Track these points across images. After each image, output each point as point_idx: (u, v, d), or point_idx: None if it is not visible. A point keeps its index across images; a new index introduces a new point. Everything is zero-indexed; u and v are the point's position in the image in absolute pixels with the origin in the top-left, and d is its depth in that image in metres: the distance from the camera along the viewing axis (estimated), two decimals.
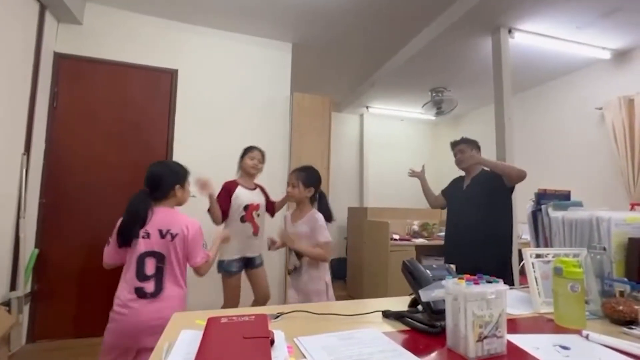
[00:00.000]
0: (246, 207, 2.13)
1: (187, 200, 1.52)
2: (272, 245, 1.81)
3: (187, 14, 2.82)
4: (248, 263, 2.21)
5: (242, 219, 2.13)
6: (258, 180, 2.39)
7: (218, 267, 2.11)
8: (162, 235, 1.33)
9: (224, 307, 2.14)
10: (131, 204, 1.35)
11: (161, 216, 1.36)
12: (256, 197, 2.23)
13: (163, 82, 2.85)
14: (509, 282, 1.66)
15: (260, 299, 2.27)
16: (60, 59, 2.57)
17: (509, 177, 1.92)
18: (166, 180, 1.42)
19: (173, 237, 1.34)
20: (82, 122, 2.61)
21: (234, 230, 2.03)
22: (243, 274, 2.23)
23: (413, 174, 2.46)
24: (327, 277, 1.69)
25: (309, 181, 1.71)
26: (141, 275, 1.31)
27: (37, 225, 2.42)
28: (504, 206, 2.03)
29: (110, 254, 1.41)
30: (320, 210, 1.72)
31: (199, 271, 1.41)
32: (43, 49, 2.39)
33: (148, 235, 1.33)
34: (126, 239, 1.32)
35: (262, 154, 2.29)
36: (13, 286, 2.17)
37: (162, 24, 2.88)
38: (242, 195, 2.15)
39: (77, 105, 2.61)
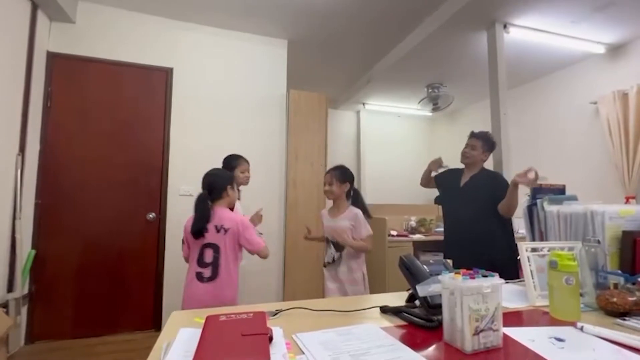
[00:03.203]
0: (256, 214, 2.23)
1: (236, 199, 1.80)
2: (308, 234, 2.04)
3: (181, 11, 2.80)
4: None
5: None
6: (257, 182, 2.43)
7: None
8: (217, 229, 1.56)
9: None
10: (196, 206, 1.60)
11: (217, 214, 1.60)
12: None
13: (158, 80, 2.83)
14: (516, 275, 1.65)
15: None
16: (54, 59, 2.55)
17: (507, 209, 1.87)
18: (220, 183, 1.68)
19: (226, 231, 1.57)
20: (77, 122, 2.59)
21: None
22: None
23: (436, 162, 2.31)
24: (364, 268, 1.87)
25: (343, 177, 1.87)
26: (201, 263, 1.56)
27: (33, 226, 2.41)
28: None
29: (185, 250, 1.69)
30: (356, 206, 1.86)
31: (261, 254, 1.64)
32: (36, 48, 2.36)
33: (207, 230, 1.56)
34: (199, 233, 1.55)
35: (248, 162, 2.26)
36: (10, 288, 2.16)
37: (156, 22, 2.85)
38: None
39: (71, 104, 2.59)
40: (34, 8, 2.34)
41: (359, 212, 1.81)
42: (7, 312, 2.06)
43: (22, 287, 2.25)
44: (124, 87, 2.74)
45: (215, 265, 1.55)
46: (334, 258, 1.84)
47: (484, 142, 2.10)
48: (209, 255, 1.55)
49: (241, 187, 2.23)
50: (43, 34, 2.47)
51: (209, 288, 1.52)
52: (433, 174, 2.34)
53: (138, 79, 2.78)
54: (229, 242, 1.57)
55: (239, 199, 2.25)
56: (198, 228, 1.55)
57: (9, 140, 2.17)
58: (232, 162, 2.20)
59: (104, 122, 2.66)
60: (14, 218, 2.20)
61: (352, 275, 1.81)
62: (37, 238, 2.42)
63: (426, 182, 2.38)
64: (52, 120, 2.52)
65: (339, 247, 1.82)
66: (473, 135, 2.14)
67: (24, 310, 2.33)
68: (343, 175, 1.87)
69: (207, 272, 1.54)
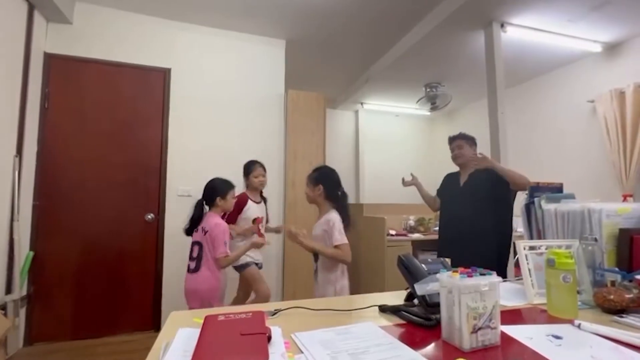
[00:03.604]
0: (254, 221, 2.29)
1: (231, 208, 2.05)
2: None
3: (179, 12, 2.79)
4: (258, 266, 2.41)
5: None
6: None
7: (239, 268, 2.29)
8: (203, 231, 1.88)
9: (256, 300, 2.29)
10: (193, 210, 1.97)
11: (206, 218, 1.93)
12: (261, 211, 2.41)
13: (156, 81, 2.83)
14: (502, 274, 1.68)
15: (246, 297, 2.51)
16: (51, 59, 2.54)
17: (514, 183, 1.89)
18: (210, 194, 1.97)
19: (205, 232, 1.87)
20: (75, 123, 2.59)
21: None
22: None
23: (406, 183, 2.48)
24: (344, 282, 1.60)
25: (315, 180, 1.70)
26: (190, 257, 1.91)
27: (31, 227, 2.40)
28: (503, 201, 2.02)
29: None
30: (337, 211, 1.64)
31: (217, 262, 1.86)
32: (33, 49, 2.35)
33: (197, 230, 1.92)
34: (188, 232, 1.96)
35: (264, 167, 2.48)
36: (9, 289, 2.16)
37: (153, 22, 2.85)
38: (252, 209, 2.34)
39: (69, 105, 2.58)
40: (31, 9, 2.33)
41: (334, 217, 1.59)
42: (5, 314, 2.05)
43: (21, 288, 2.24)
44: (122, 87, 2.73)
45: (198, 259, 1.86)
46: (315, 269, 1.68)
47: (465, 139, 2.19)
48: (195, 251, 1.88)
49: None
50: (40, 34, 2.46)
51: (190, 278, 1.87)
52: (429, 183, 2.45)
53: (136, 80, 2.78)
54: (209, 243, 1.85)
55: (257, 201, 2.44)
56: (187, 228, 1.96)
57: (6, 141, 2.16)
58: (248, 167, 2.45)
59: (102, 123, 2.65)
60: (12, 220, 2.19)
61: (323, 290, 1.58)
62: (35, 239, 2.41)
63: (432, 201, 2.43)
64: (50, 122, 2.52)
65: (316, 256, 1.65)
66: (453, 139, 2.24)
67: (23, 311, 2.33)
68: (315, 177, 1.70)
69: (192, 265, 1.88)
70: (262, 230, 2.31)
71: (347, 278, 1.63)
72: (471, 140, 2.20)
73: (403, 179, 2.50)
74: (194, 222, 1.94)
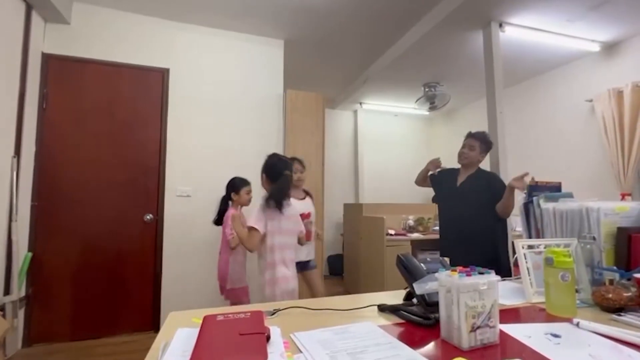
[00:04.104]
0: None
1: (245, 203, 2.34)
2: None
3: (177, 12, 2.79)
4: (304, 266, 2.31)
5: None
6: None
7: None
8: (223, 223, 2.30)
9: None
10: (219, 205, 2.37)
11: (228, 211, 2.28)
12: (306, 207, 2.32)
13: (154, 81, 2.82)
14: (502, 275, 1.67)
15: (316, 296, 2.40)
16: (49, 60, 2.53)
17: (503, 210, 1.90)
18: (227, 190, 2.35)
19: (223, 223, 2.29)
20: (73, 123, 2.58)
21: None
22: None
23: (435, 162, 2.31)
24: (268, 275, 1.55)
25: (261, 171, 1.73)
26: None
27: (29, 228, 2.40)
28: (494, 211, 1.97)
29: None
30: (269, 193, 1.64)
31: (228, 245, 2.21)
32: (31, 49, 2.35)
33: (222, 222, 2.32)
34: (217, 223, 2.37)
35: (301, 162, 2.38)
36: (7, 290, 2.15)
37: (152, 22, 2.84)
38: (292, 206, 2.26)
39: (67, 106, 2.57)
40: (28, 9, 2.32)
41: (261, 203, 1.59)
42: (4, 315, 2.05)
43: (19, 289, 2.23)
44: (120, 88, 2.73)
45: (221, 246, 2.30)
46: None
47: (482, 142, 2.10)
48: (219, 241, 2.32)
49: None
50: (38, 35, 2.46)
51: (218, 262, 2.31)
52: (429, 173, 2.35)
53: (134, 80, 2.77)
54: (223, 230, 2.25)
55: (300, 198, 2.38)
56: (215, 220, 2.37)
57: (4, 142, 2.15)
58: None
59: (100, 123, 2.65)
60: (10, 220, 2.18)
61: (261, 277, 1.59)
62: (33, 240, 2.41)
63: (422, 180, 2.39)
64: (48, 122, 2.51)
65: None
66: (471, 135, 2.14)
67: (21, 313, 2.32)
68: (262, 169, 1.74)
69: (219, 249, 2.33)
70: (308, 225, 2.20)
71: (278, 276, 1.56)
72: (486, 145, 2.11)
73: (434, 161, 2.32)
74: (220, 215, 2.34)
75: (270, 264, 1.58)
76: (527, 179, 1.67)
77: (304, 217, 2.22)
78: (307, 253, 2.32)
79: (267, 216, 1.57)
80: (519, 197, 1.37)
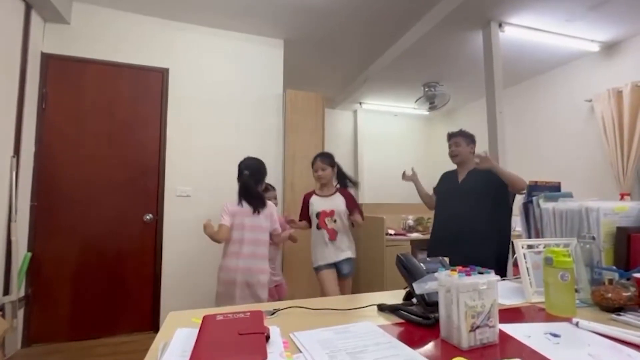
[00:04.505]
0: (318, 215, 2.24)
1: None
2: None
3: (177, 12, 2.79)
4: (338, 270, 2.25)
5: (318, 226, 2.26)
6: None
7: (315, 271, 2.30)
8: None
9: None
10: None
11: None
12: (329, 204, 2.26)
13: (154, 81, 2.82)
14: (503, 274, 1.67)
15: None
16: (49, 60, 2.53)
17: (512, 186, 1.89)
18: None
19: None
20: (73, 123, 2.58)
21: (315, 237, 2.30)
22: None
23: (406, 177, 2.46)
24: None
25: None
26: None
27: (28, 228, 2.40)
28: (502, 201, 2.02)
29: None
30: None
31: None
32: (30, 49, 2.35)
33: None
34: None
35: (323, 160, 2.30)
36: (6, 290, 2.15)
37: (151, 22, 2.84)
38: (315, 203, 2.30)
39: (66, 106, 2.57)
40: (28, 9, 2.32)
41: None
42: (3, 315, 2.05)
43: (19, 290, 2.23)
44: (120, 88, 2.73)
45: None
46: None
47: (463, 136, 2.17)
48: None
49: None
50: (37, 35, 2.46)
51: None
52: (433, 188, 2.40)
53: (134, 80, 2.77)
54: None
55: (324, 195, 2.38)
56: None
57: (3, 142, 2.15)
58: (312, 161, 2.42)
59: (100, 123, 2.65)
60: (10, 220, 2.18)
61: None
62: (33, 240, 2.41)
63: (429, 199, 2.43)
64: (47, 122, 2.51)
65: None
66: (451, 135, 2.22)
67: (21, 313, 2.32)
68: None
69: None
70: (332, 224, 2.21)
71: (226, 261, 1.94)
72: (469, 139, 2.19)
73: (404, 173, 2.48)
74: (261, 197, 2.28)
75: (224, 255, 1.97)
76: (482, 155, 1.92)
77: (325, 214, 2.22)
78: (339, 252, 2.21)
79: (231, 212, 1.96)
80: (519, 197, 1.38)
